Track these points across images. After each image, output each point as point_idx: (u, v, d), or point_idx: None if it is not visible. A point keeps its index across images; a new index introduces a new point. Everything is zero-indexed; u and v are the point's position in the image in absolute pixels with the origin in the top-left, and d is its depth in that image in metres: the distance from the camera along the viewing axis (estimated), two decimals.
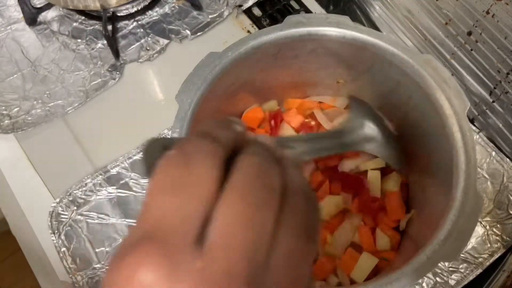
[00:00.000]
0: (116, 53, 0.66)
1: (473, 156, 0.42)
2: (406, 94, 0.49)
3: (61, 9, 0.71)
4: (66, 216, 0.56)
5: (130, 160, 0.59)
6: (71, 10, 0.70)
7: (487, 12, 0.59)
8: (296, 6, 0.72)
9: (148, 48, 0.68)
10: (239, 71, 0.49)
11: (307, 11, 0.71)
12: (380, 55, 0.47)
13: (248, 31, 0.70)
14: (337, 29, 0.47)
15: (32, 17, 0.69)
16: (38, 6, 0.69)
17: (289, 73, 0.54)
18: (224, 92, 0.51)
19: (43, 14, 0.70)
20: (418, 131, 0.51)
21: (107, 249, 0.55)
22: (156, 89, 0.66)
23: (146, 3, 0.71)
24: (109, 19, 0.67)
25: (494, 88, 0.64)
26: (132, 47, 0.68)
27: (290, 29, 0.47)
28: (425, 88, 0.45)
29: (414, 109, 0.50)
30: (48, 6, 0.69)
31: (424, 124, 0.49)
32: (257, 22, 0.71)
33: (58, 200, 0.57)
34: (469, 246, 0.54)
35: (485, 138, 0.60)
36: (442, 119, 0.44)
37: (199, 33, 0.69)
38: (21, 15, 0.70)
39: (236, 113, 0.58)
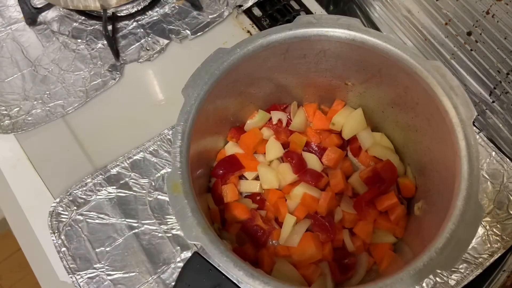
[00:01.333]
0: (116, 53, 0.66)
1: (477, 166, 0.41)
2: (413, 100, 0.49)
3: (61, 9, 0.71)
4: (66, 216, 0.56)
5: (130, 160, 0.59)
6: (71, 10, 0.70)
7: (487, 12, 0.59)
8: (296, 6, 0.72)
9: (148, 48, 0.68)
10: (247, 68, 0.49)
11: (307, 11, 0.71)
12: (389, 60, 0.47)
13: (248, 31, 0.70)
14: (346, 31, 0.47)
15: (32, 17, 0.69)
16: (38, 6, 0.69)
17: (297, 72, 0.54)
18: (231, 89, 0.51)
19: (43, 14, 0.70)
20: (423, 137, 0.51)
21: (107, 249, 0.55)
22: (156, 89, 0.67)
23: (146, 3, 0.71)
24: (109, 19, 0.68)
25: (494, 88, 0.64)
26: (132, 47, 0.68)
27: (300, 29, 0.47)
28: (432, 94, 0.45)
29: (420, 115, 0.50)
30: (48, 6, 0.69)
31: (430, 130, 0.49)
32: (257, 22, 0.71)
33: (58, 200, 0.57)
34: (469, 246, 0.54)
35: (485, 138, 0.60)
36: (448, 126, 0.43)
37: (199, 33, 0.69)
38: (21, 15, 0.70)
39: (241, 112, 0.58)
